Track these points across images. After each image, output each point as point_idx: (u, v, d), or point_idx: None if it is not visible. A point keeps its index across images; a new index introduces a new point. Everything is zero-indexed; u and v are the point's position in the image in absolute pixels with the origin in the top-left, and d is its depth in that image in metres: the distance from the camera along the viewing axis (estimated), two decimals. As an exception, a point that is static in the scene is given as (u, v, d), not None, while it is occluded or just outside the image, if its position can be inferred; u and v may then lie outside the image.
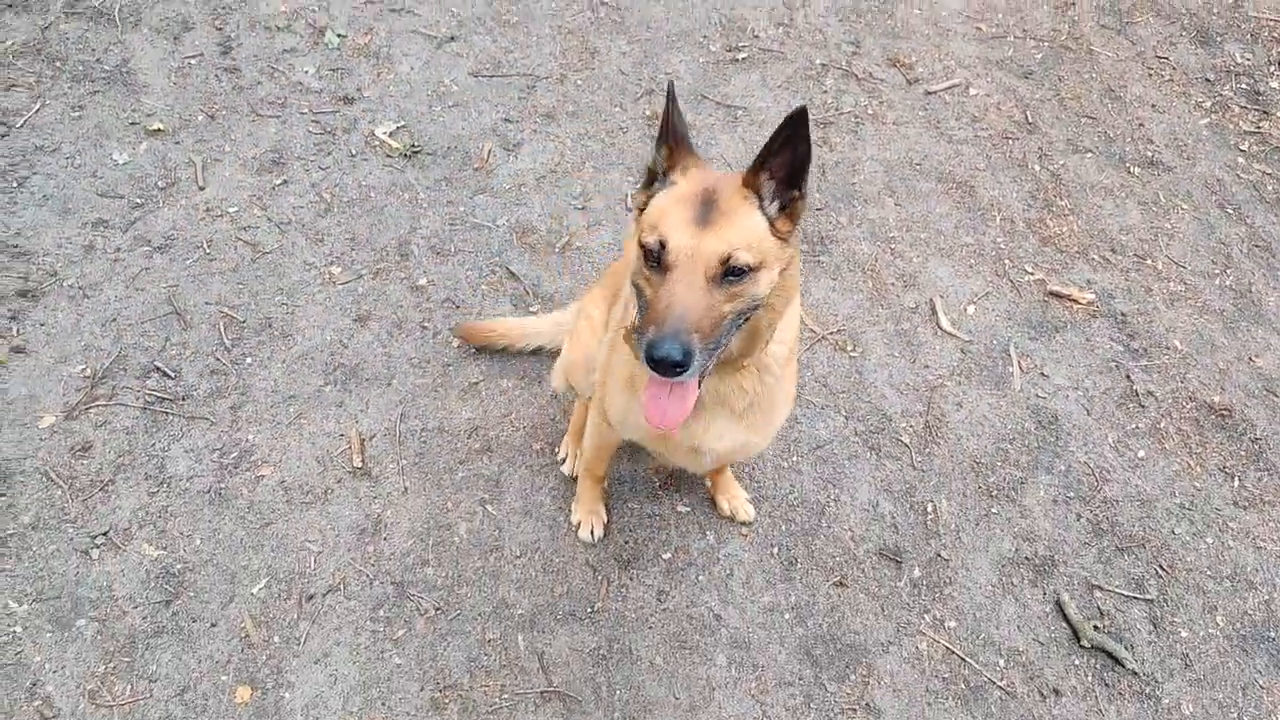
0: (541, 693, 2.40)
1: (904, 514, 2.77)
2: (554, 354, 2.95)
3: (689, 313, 1.57)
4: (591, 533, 2.65)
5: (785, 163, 1.64)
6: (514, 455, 2.84)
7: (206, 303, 3.11)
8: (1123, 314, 3.32)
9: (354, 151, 3.61)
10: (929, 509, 2.78)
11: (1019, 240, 3.52)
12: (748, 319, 1.71)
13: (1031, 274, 3.42)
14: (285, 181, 3.48)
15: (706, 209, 1.62)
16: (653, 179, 1.79)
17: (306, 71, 3.85)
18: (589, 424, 2.47)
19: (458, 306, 3.17)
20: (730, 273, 1.61)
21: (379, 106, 3.77)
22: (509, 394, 2.97)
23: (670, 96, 1.70)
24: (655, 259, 1.64)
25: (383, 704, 2.36)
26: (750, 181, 1.67)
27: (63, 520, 2.60)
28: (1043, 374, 3.14)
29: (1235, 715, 2.49)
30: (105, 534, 2.60)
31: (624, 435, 2.29)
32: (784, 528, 2.73)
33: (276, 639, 2.45)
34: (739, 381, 1.90)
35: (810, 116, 1.58)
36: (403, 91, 3.84)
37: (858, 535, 2.73)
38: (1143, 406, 3.09)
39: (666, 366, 1.54)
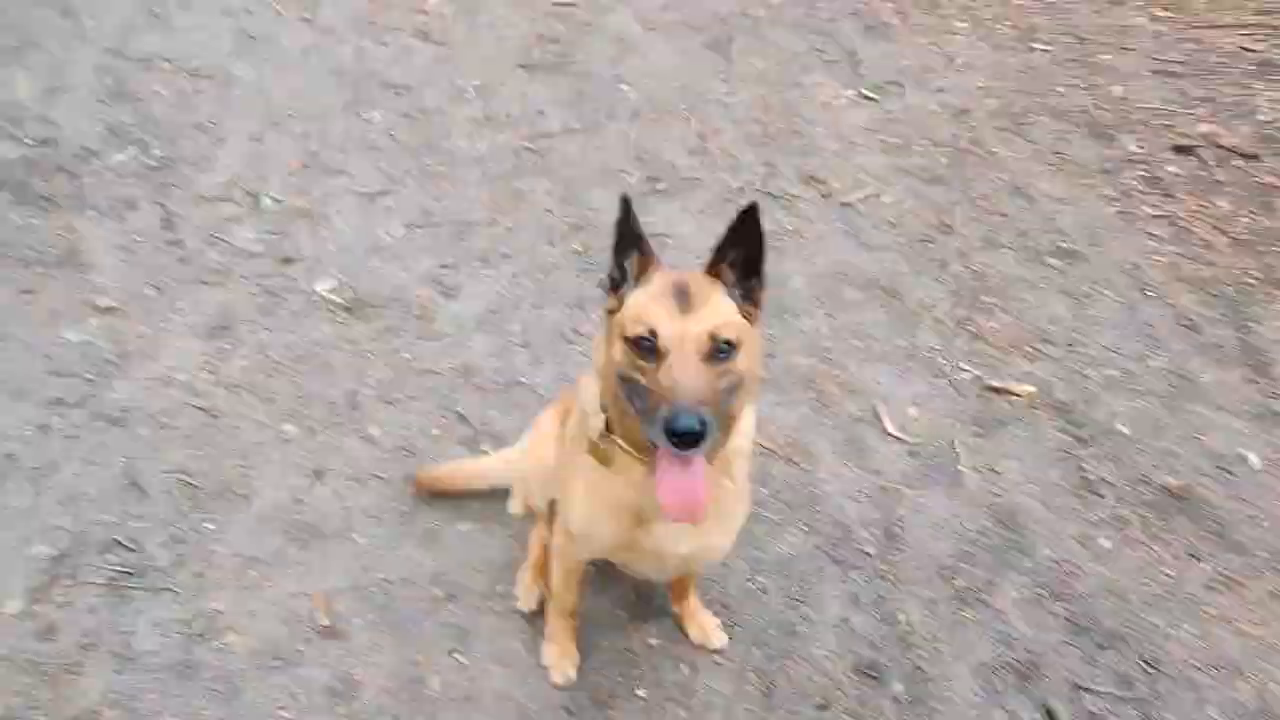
0: (526, 842, 2.45)
1: (876, 627, 2.91)
2: (505, 492, 3.09)
3: (694, 386, 1.76)
4: (564, 674, 2.73)
5: (742, 255, 1.93)
6: (479, 601, 2.94)
7: (164, 471, 3.22)
8: (1064, 403, 3.56)
9: (297, 310, 3.79)
10: (901, 619, 2.92)
11: (951, 339, 3.78)
12: (734, 398, 1.91)
13: (968, 371, 3.66)
14: (233, 345, 3.65)
15: (683, 297, 1.86)
16: (616, 284, 2.02)
17: (247, 237, 4.07)
18: (554, 550, 2.59)
19: (411, 453, 3.32)
20: (717, 350, 1.83)
21: (318, 264, 3.98)
22: (468, 538, 3.10)
23: (626, 208, 1.95)
24: (647, 348, 1.83)
25: None
26: (713, 272, 1.94)
27: (31, 708, 2.63)
28: (994, 470, 3.34)
29: (1233, 809, 2.60)
30: (75, 719, 2.63)
31: (587, 549, 2.41)
32: (758, 653, 2.85)
33: (252, 815, 2.48)
34: None
35: (747, 213, 1.87)
36: (340, 247, 4.06)
37: (833, 654, 2.85)
38: (1099, 495, 3.28)
39: (688, 438, 1.71)
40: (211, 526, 3.08)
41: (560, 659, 2.76)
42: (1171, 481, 3.33)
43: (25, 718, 2.60)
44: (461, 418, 3.44)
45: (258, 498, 3.17)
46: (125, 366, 3.53)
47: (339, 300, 3.82)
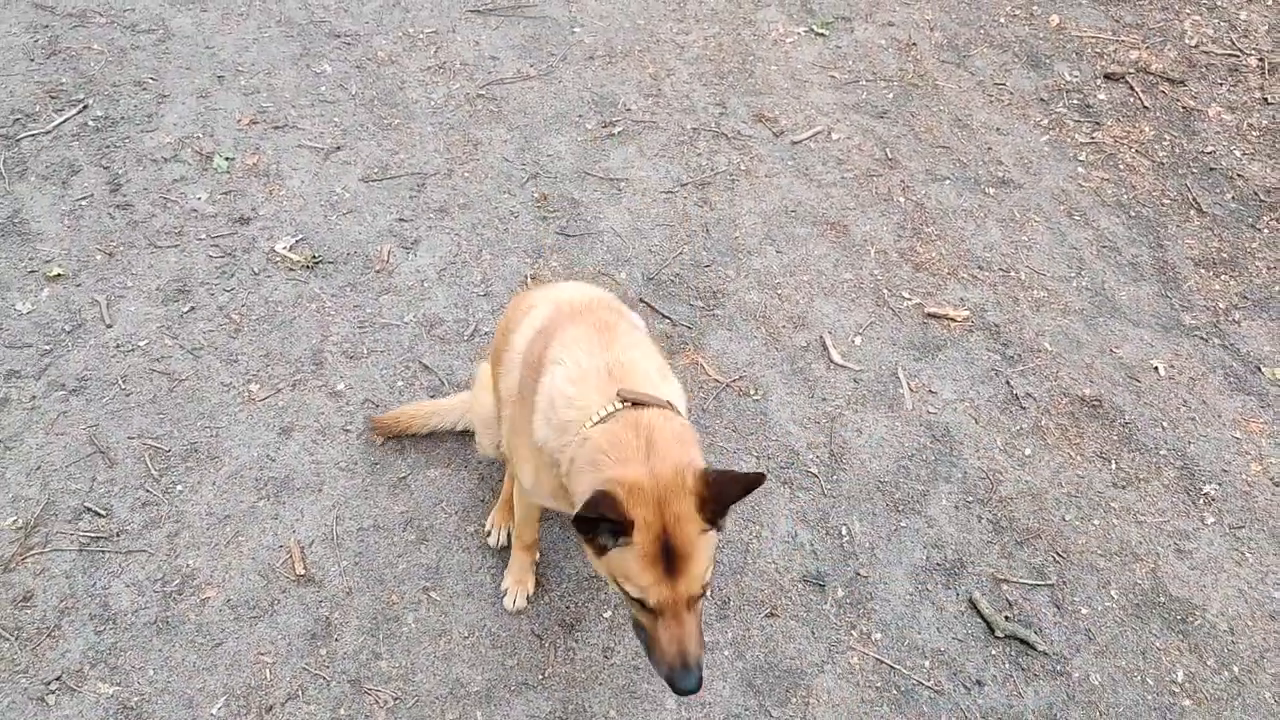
0: (506, 763, 2.56)
1: (821, 540, 3.03)
2: (470, 434, 3.16)
3: (688, 645, 1.90)
4: (514, 601, 2.84)
5: (728, 502, 1.89)
6: (450, 540, 3.02)
7: (129, 437, 3.23)
8: (995, 325, 3.67)
9: (256, 270, 3.78)
10: (844, 532, 3.05)
11: (894, 270, 3.87)
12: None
13: (909, 299, 3.76)
14: (192, 308, 3.64)
15: (670, 559, 1.84)
16: (591, 526, 1.87)
17: (199, 198, 4.03)
18: (515, 490, 2.68)
19: (377, 406, 3.36)
20: (702, 594, 1.94)
21: (275, 223, 3.96)
22: (437, 482, 3.16)
23: (598, 503, 1.79)
24: (637, 600, 1.91)
25: (354, 800, 2.49)
26: (695, 488, 1.84)
27: (14, 672, 2.68)
28: (931, 391, 3.46)
29: (1139, 678, 2.79)
30: (59, 678, 2.69)
31: (536, 500, 2.49)
32: (713, 569, 2.95)
33: (242, 754, 2.56)
34: None
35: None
36: (297, 205, 4.03)
37: (781, 566, 2.97)
38: (1023, 408, 3.42)
39: (691, 693, 1.93)
40: (181, 488, 3.11)
41: (514, 585, 2.87)
42: (1087, 392, 3.48)
43: (8, 683, 2.65)
44: (426, 368, 3.48)
45: (227, 457, 3.20)
46: (81, 335, 3.52)
47: (297, 258, 3.82)
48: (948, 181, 4.26)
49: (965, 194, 4.21)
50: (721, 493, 1.83)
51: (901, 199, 4.18)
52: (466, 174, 4.22)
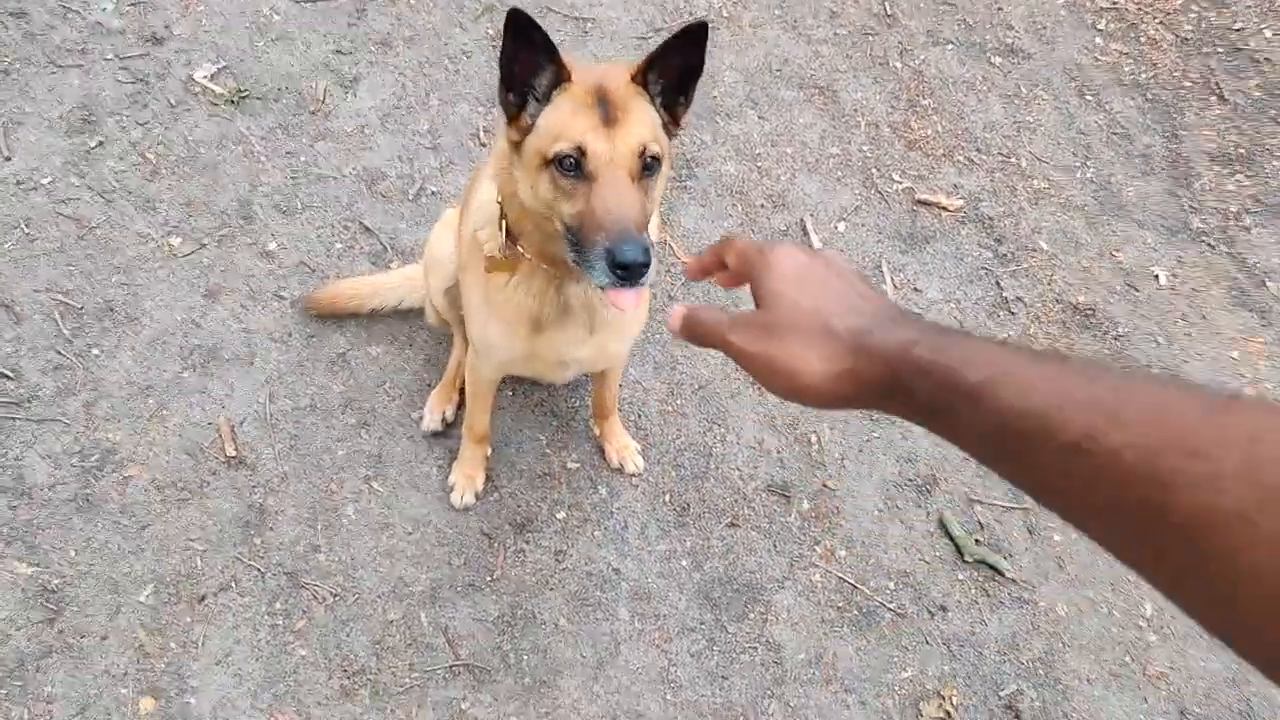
0: (450, 667, 2.63)
1: (789, 447, 3.06)
2: (415, 313, 3.08)
3: (631, 212, 1.68)
4: (462, 497, 2.85)
5: (675, 69, 1.80)
6: (393, 427, 2.99)
7: (35, 290, 3.08)
8: (989, 218, 3.62)
9: (173, 101, 3.53)
10: (812, 440, 3.08)
11: (885, 147, 3.76)
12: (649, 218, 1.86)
13: (899, 182, 3.68)
14: (101, 143, 3.41)
15: (606, 107, 1.73)
16: (519, 106, 1.82)
17: (104, 9, 3.70)
18: (466, 367, 2.63)
19: (313, 270, 3.23)
20: (644, 167, 1.75)
21: (193, 45, 3.68)
22: (379, 361, 3.09)
23: (517, 23, 1.71)
24: (570, 169, 1.72)
25: (292, 698, 2.55)
26: (639, 79, 1.80)
27: (-83, 551, 2.64)
28: (915, 289, 3.43)
29: (1106, 610, 2.93)
30: (-32, 558, 2.65)
31: (490, 362, 2.44)
32: (674, 474, 2.99)
33: (173, 645, 2.59)
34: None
35: (697, 30, 1.72)
36: (218, 26, 3.74)
37: (746, 474, 3.01)
38: (1012, 313, 3.43)
39: (635, 269, 1.63)
40: (97, 352, 3.00)
41: (463, 482, 2.86)
42: (1081, 299, 3.49)
43: (-83, 562, 2.60)
44: (366, 229, 3.34)
45: (147, 320, 3.08)
46: (-24, 168, 3.28)
47: (220, 91, 3.56)
48: (950, 46, 4.09)
49: (968, 62, 4.06)
50: (662, 56, 1.74)
51: (898, 64, 4.02)
52: (413, 2, 3.92)
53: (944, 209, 3.57)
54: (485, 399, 2.70)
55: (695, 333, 0.96)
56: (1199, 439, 0.52)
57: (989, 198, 3.67)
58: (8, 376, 2.90)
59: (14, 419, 2.84)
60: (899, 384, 0.76)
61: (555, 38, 3.38)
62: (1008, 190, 3.71)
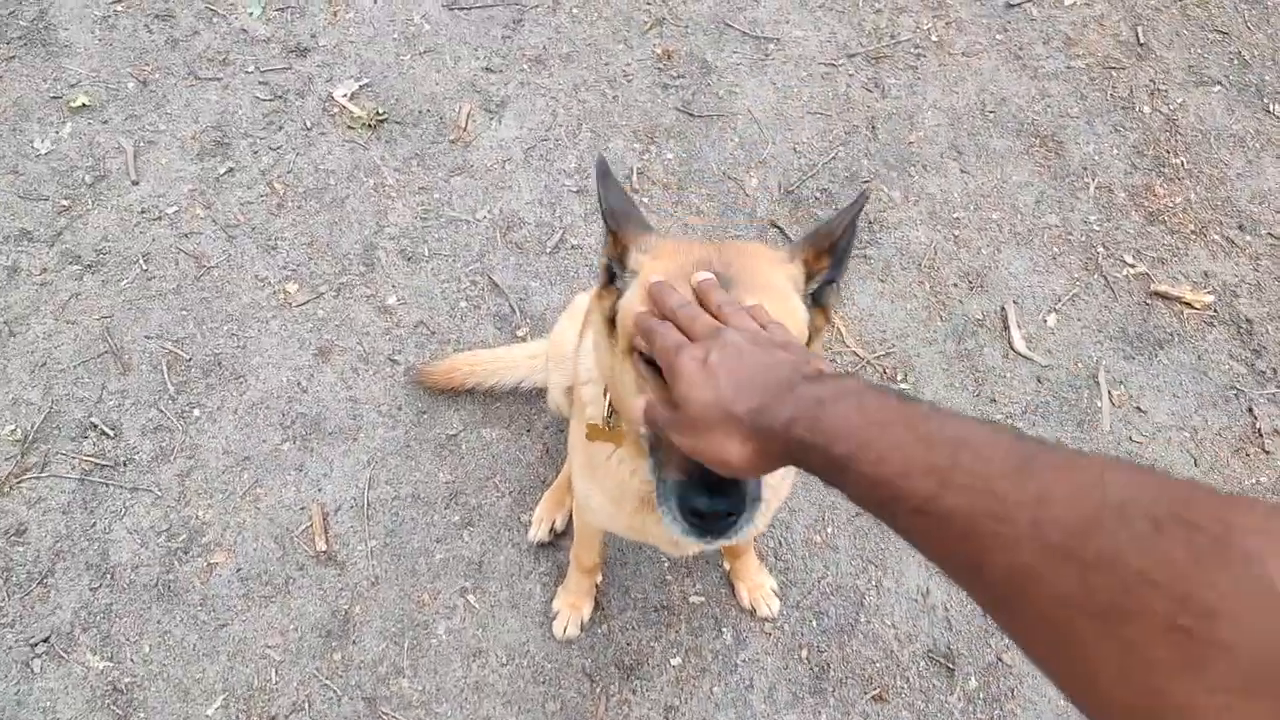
0: (530, 837, 2.22)
1: (959, 605, 2.47)
2: (537, 393, 2.65)
3: None
4: (565, 628, 2.42)
5: (830, 248, 1.30)
6: (499, 530, 2.58)
7: (146, 336, 2.83)
8: (1248, 320, 2.84)
9: (309, 124, 3.19)
10: (987, 600, 2.46)
11: (1118, 218, 3.00)
12: None
13: (1132, 266, 2.93)
14: (231, 170, 3.10)
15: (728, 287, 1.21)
16: (611, 275, 1.40)
17: (251, 14, 3.37)
18: (574, 499, 2.19)
19: (432, 333, 2.84)
20: None
21: (337, 58, 3.31)
22: (493, 448, 2.68)
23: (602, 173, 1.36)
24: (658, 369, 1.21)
25: None
26: (802, 255, 1.31)
27: (1, 624, 2.43)
28: (1139, 408, 2.72)
29: None
30: (47, 640, 2.44)
31: (588, 519, 2.03)
32: (815, 624, 2.46)
33: (236, 771, 2.29)
34: None
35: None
36: (365, 36, 3.36)
37: (903, 633, 2.44)
38: (1267, 452, 2.66)
39: (710, 526, 1.15)
40: (199, 414, 2.71)
41: (568, 610, 2.44)
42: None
43: (-12, 646, 2.40)
44: (495, 287, 2.91)
45: (253, 378, 2.77)
46: (103, 191, 3.05)
47: (358, 113, 3.19)
48: (1216, 89, 3.25)
49: (1238, 110, 3.21)
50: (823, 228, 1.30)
51: (1145, 108, 3.22)
52: (575, 8, 3.41)
53: (1188, 305, 2.81)
54: (593, 539, 2.24)
55: (652, 428, 1.07)
56: (1004, 504, 0.59)
57: (1249, 294, 2.87)
58: (107, 434, 2.66)
59: (108, 484, 2.60)
60: (792, 457, 0.82)
61: (729, 60, 2.82)
62: (1277, 285, 2.89)
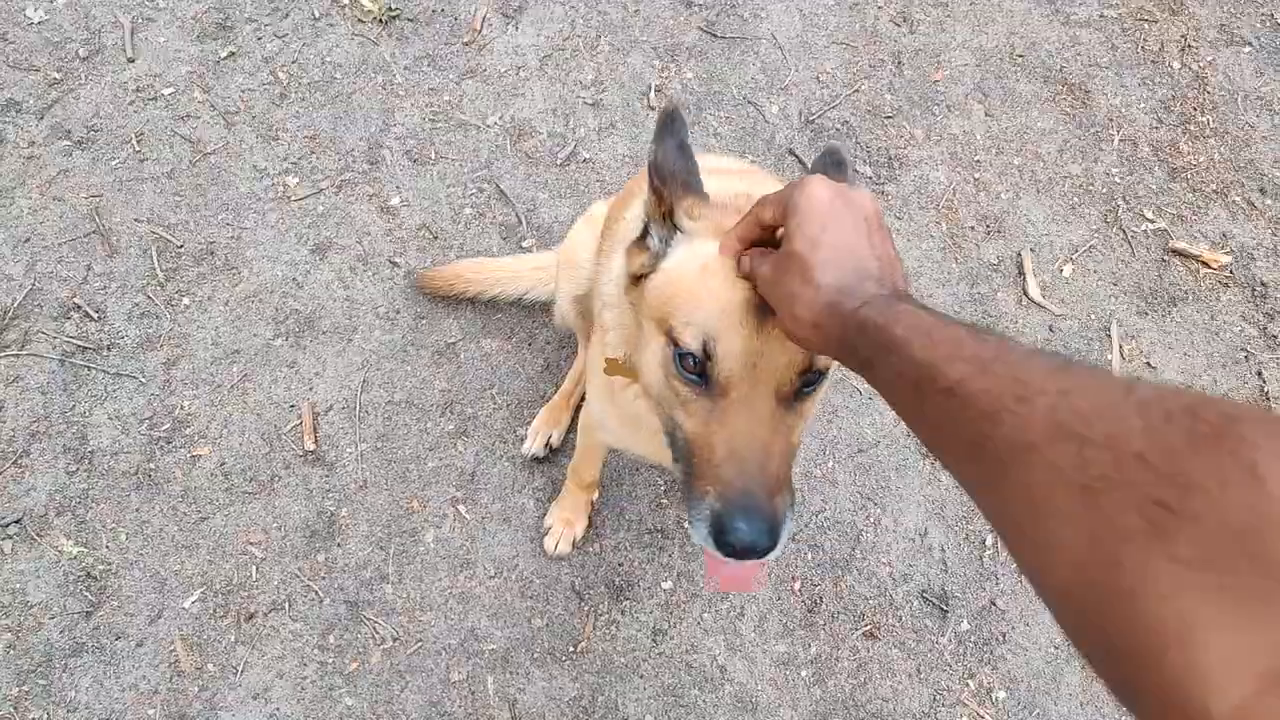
0: (510, 750, 2.14)
1: (956, 546, 2.39)
2: (541, 307, 2.53)
3: (765, 459, 1.09)
4: (557, 544, 2.32)
5: None
6: (494, 442, 2.46)
7: (136, 219, 2.66)
8: (1263, 284, 2.75)
9: (318, 14, 3.00)
10: (987, 542, 2.39)
11: (1141, 172, 2.89)
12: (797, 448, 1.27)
13: (1151, 222, 2.83)
14: (233, 54, 2.91)
15: None
16: (645, 232, 1.29)
17: (261, -106, 3.15)
18: (582, 415, 2.08)
19: (435, 237, 2.69)
20: (805, 385, 1.14)
21: (351, -53, 3.10)
22: (492, 359, 2.55)
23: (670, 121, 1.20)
24: (691, 368, 1.13)
25: (329, 754, 2.12)
26: None
27: (-30, 501, 2.30)
28: (1149, 364, 2.63)
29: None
30: (19, 521, 2.31)
31: (599, 437, 1.93)
32: (810, 557, 2.37)
33: (210, 666, 2.19)
34: None
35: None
36: (381, -75, 3.14)
37: (898, 572, 2.36)
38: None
39: (746, 552, 1.07)
40: (188, 302, 2.56)
41: (560, 527, 2.34)
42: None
43: (-42, 520, 2.27)
44: (502, 196, 2.76)
45: (247, 270, 2.62)
46: (97, 66, 2.86)
47: (370, 6, 3.01)
48: (1247, 49, 3.13)
49: (1268, 73, 3.09)
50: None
51: (1175, 63, 3.09)
52: (602, -87, 3.22)
53: (1205, 264, 2.72)
54: (596, 455, 2.13)
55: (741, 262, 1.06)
56: (1029, 389, 0.60)
57: (1267, 257, 2.78)
58: (91, 316, 2.50)
59: (90, 368, 2.44)
60: (846, 340, 0.85)
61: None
62: (1293, 249, 2.80)
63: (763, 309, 1.06)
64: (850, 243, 0.92)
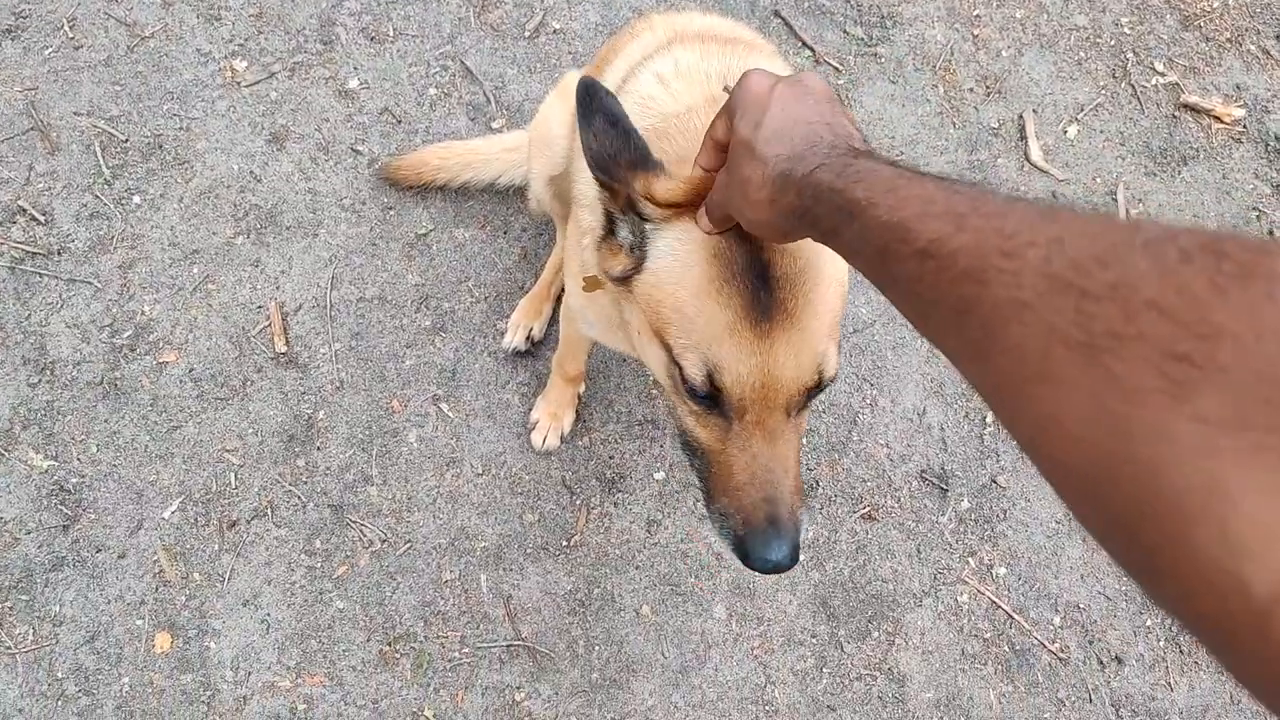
0: (508, 646, 2.15)
1: (956, 425, 2.34)
2: (515, 191, 2.41)
3: (785, 478, 1.11)
4: (545, 439, 2.27)
5: None
6: (473, 337, 2.38)
7: (75, 113, 2.51)
8: (1277, 139, 2.64)
9: (255, -125, 2.75)
10: (988, 420, 2.34)
11: (1151, 21, 2.73)
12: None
13: (1162, 75, 2.69)
14: (166, -76, 2.69)
15: (764, 282, 1.04)
16: (611, 225, 1.19)
17: None
18: (564, 303, 2.00)
19: (399, 121, 2.55)
20: (811, 395, 1.12)
21: None
22: (466, 250, 2.45)
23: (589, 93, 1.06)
24: (703, 395, 1.10)
25: (324, 658, 2.12)
26: None
27: (-73, 426, 2.23)
28: (1155, 228, 2.53)
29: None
30: (-17, 437, 2.23)
31: (582, 329, 1.85)
32: (805, 440, 2.32)
33: (196, 575, 2.16)
34: None
35: None
36: None
37: (896, 453, 2.32)
38: (1277, 276, 2.50)
39: (773, 572, 1.14)
40: (139, 200, 2.43)
41: (547, 420, 2.29)
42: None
43: (-88, 451, 2.20)
44: (468, 73, 2.60)
45: (199, 164, 2.48)
46: (18, -54, 2.63)
47: None
48: (1269, -121, 2.92)
49: (1289, -95, 2.89)
50: None
51: (1191, -102, 2.89)
52: None
53: (1217, 119, 2.60)
54: (580, 347, 2.05)
55: (708, 202, 1.01)
56: (1014, 242, 0.54)
57: (1281, 110, 2.66)
58: (38, 220, 2.38)
59: (41, 274, 2.33)
60: (805, 211, 0.79)
61: None
62: (1311, 101, 2.68)
63: (761, 317, 1.02)
64: (797, 114, 0.86)
